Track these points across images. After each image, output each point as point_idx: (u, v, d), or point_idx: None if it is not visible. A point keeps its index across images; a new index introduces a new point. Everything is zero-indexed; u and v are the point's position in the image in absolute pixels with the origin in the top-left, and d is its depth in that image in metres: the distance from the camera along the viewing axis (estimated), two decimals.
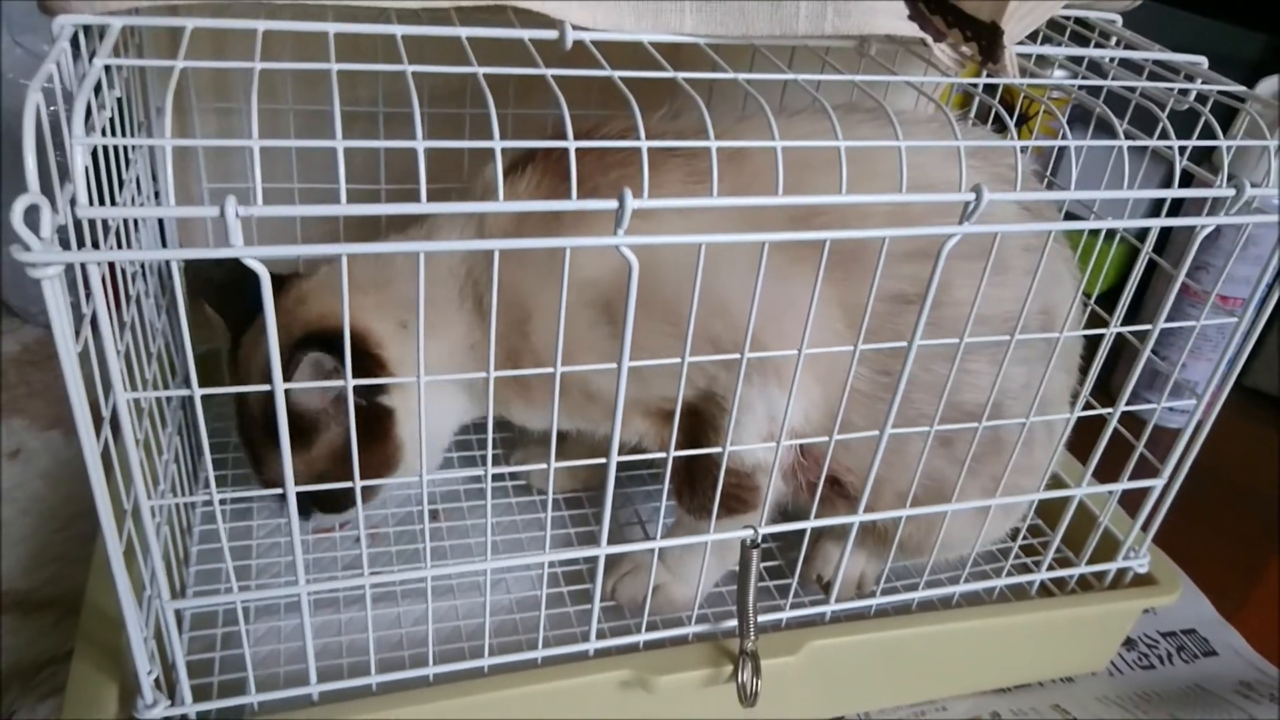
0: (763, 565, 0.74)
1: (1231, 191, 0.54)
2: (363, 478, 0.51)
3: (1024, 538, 0.75)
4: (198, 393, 0.45)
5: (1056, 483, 0.76)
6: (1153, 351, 0.64)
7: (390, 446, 0.64)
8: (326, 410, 0.63)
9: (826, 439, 0.59)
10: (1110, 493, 0.69)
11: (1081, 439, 0.69)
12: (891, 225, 0.52)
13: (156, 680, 0.54)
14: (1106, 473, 0.69)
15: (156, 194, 0.72)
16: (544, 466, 0.55)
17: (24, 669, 0.67)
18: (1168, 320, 0.61)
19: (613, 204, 0.44)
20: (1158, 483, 0.68)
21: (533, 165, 0.61)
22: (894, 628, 0.66)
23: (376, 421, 0.63)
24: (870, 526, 0.68)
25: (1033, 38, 0.64)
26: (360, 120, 0.78)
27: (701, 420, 0.62)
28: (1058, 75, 0.67)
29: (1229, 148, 0.55)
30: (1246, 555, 0.92)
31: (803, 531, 0.64)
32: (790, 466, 0.65)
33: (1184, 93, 0.61)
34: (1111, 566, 0.72)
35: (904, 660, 0.69)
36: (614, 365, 0.50)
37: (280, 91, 0.77)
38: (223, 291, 0.68)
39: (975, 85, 0.60)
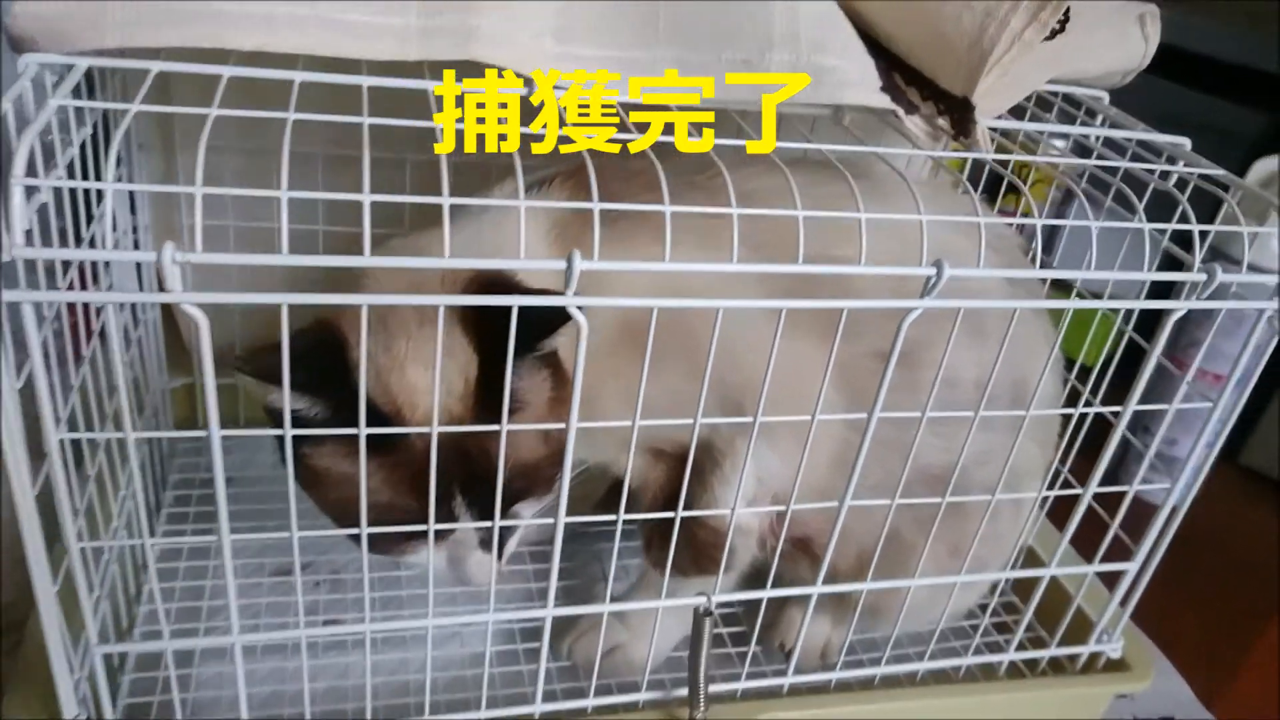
0: (726, 630, 0.73)
1: (1203, 276, 0.53)
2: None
3: (996, 614, 0.73)
4: (131, 435, 0.45)
5: (1031, 556, 0.75)
6: (1142, 427, 0.64)
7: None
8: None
9: (807, 504, 0.59)
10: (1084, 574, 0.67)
11: (1062, 509, 0.67)
12: (878, 284, 0.52)
13: None
14: (1088, 545, 0.67)
15: (135, 229, 0.73)
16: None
17: None
18: (1151, 397, 0.60)
19: (561, 264, 0.43)
20: (1131, 566, 0.66)
21: (560, 179, 0.60)
22: (853, 703, 0.65)
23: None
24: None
25: (1019, 114, 0.63)
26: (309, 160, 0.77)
27: (690, 475, 0.61)
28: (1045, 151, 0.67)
29: (1202, 233, 0.54)
30: (1232, 638, 0.90)
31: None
32: (765, 530, 0.64)
33: (1165, 175, 0.60)
34: (1083, 650, 0.70)
35: None
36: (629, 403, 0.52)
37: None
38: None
39: (962, 158, 0.60)
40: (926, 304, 0.49)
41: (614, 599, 0.70)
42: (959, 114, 0.54)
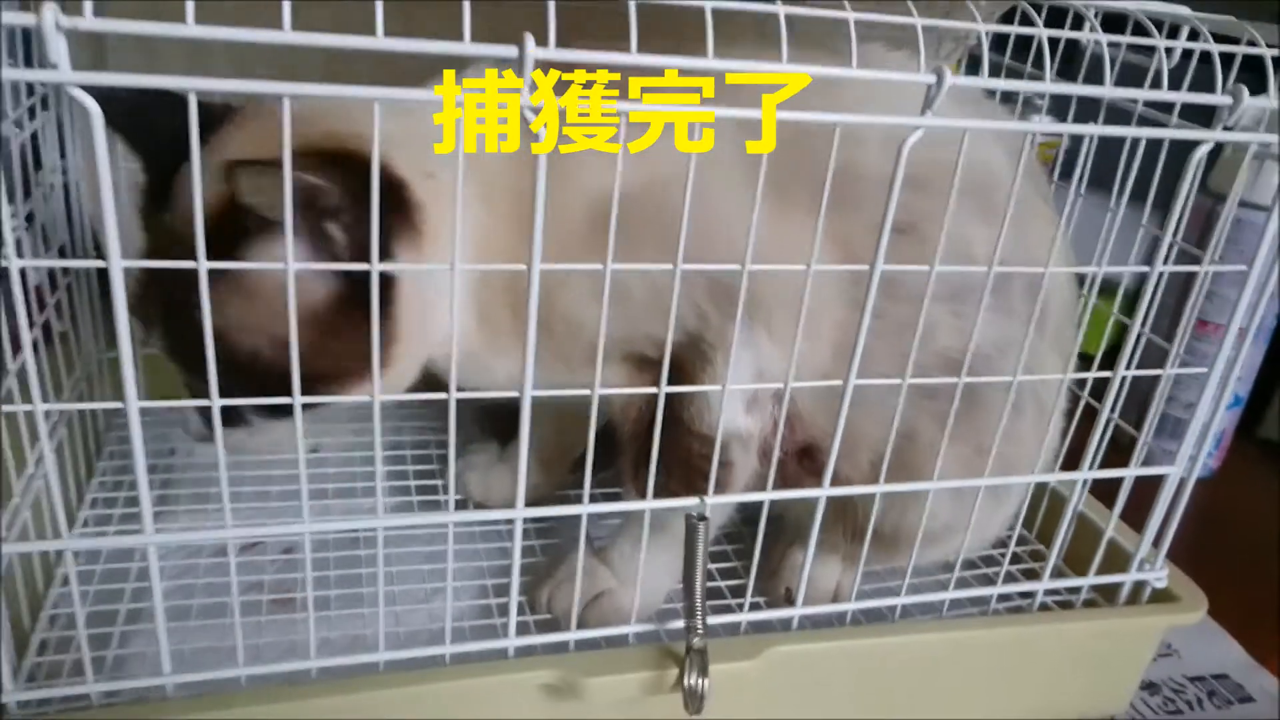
0: (725, 584, 0.65)
1: (1229, 100, 0.48)
2: (338, 367, 0.43)
3: (1022, 560, 0.67)
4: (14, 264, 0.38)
5: (1055, 498, 0.68)
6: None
7: (387, 333, 0.48)
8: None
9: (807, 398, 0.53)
10: (1122, 479, 0.60)
11: (1076, 452, 0.61)
12: (886, 156, 0.46)
13: None
14: (1107, 496, 0.62)
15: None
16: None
17: None
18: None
19: (511, 50, 0.38)
20: (1174, 470, 0.59)
21: None
22: (869, 636, 0.57)
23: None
24: (843, 516, 0.60)
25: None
26: None
27: (679, 375, 0.54)
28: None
29: (1225, 64, 0.49)
30: (1273, 603, 0.82)
31: (773, 534, 0.56)
32: (767, 434, 0.57)
33: (1174, 31, 0.56)
34: (1125, 578, 0.62)
35: (880, 676, 0.58)
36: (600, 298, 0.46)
37: None
38: (138, 116, 0.47)
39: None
40: (928, 122, 0.44)
41: (597, 551, 0.63)
42: None
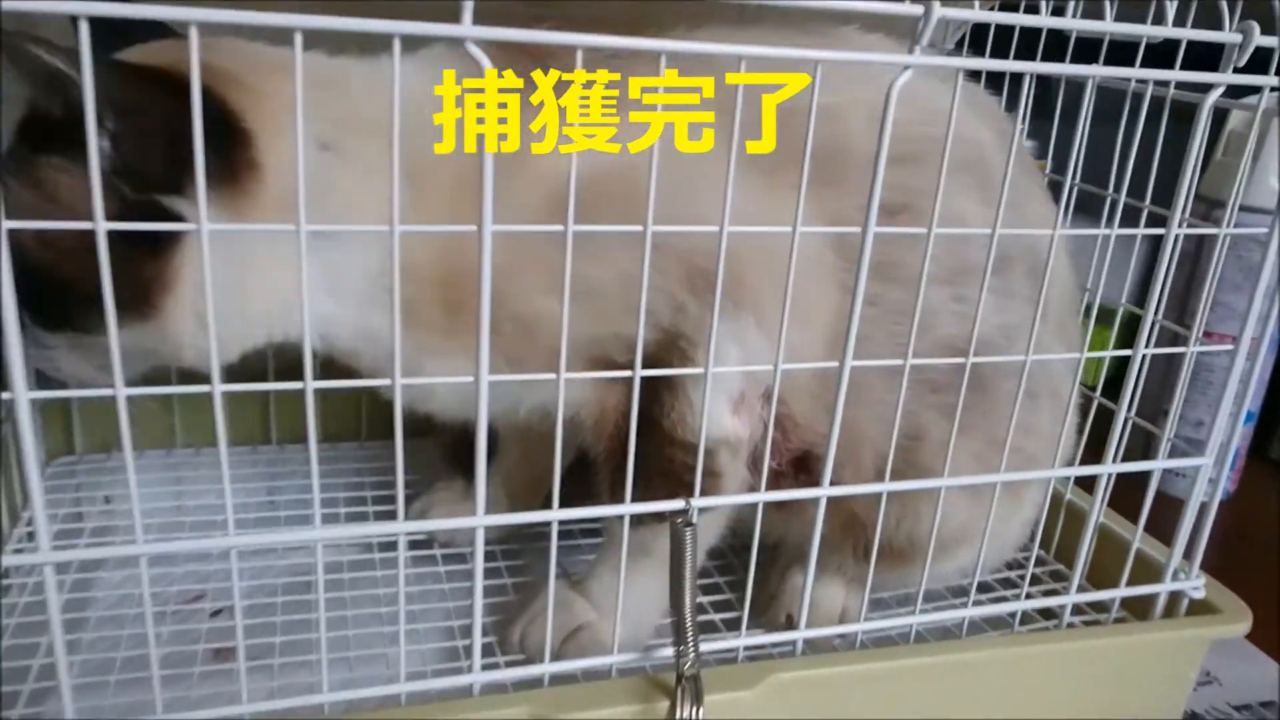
0: (719, 617, 0.59)
1: (1239, 37, 0.44)
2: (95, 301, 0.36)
3: (1042, 581, 0.61)
4: None
5: (1073, 512, 0.62)
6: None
7: (157, 274, 0.42)
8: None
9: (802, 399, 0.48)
10: (1150, 472, 0.54)
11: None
12: (870, 128, 0.42)
13: None
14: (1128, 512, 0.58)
15: None
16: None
17: None
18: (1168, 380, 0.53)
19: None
20: (1204, 461, 0.54)
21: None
22: (881, 659, 0.50)
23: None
24: (850, 532, 0.54)
25: None
26: None
27: (657, 382, 0.49)
28: None
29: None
30: None
31: (770, 559, 0.50)
32: (756, 443, 0.51)
33: None
34: (1160, 588, 0.56)
35: (893, 704, 0.51)
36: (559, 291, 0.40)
37: None
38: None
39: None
40: (916, 60, 0.40)
41: (574, 583, 0.57)
42: None
